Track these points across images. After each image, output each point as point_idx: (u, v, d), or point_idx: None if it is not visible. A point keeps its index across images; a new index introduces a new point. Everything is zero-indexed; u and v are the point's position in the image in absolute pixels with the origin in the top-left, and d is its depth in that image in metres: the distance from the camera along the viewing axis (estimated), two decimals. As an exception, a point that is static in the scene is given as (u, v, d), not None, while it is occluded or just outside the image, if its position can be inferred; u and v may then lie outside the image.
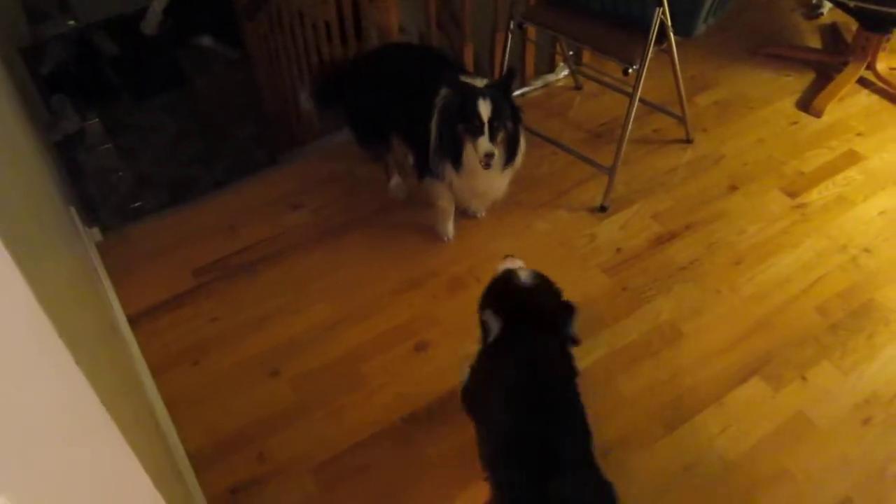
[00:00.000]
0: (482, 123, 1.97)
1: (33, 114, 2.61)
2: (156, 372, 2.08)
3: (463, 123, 2.01)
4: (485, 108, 1.96)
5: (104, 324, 1.79)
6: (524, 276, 1.64)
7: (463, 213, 2.48)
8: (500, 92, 2.02)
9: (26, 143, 1.89)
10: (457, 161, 2.09)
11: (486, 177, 2.14)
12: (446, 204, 2.35)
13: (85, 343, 1.06)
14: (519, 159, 2.16)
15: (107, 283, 2.30)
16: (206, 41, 3.36)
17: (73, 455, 0.83)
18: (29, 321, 0.72)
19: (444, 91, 2.09)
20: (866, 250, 2.39)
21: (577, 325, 1.62)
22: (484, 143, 1.99)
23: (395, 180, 2.60)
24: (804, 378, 2.05)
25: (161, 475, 1.18)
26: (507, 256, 1.77)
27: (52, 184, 2.07)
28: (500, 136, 2.03)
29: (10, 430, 0.73)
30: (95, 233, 2.47)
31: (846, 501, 1.79)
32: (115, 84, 3.59)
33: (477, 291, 2.25)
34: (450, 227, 2.42)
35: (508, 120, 2.04)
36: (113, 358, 1.57)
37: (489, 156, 1.99)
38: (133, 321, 2.21)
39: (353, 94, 2.41)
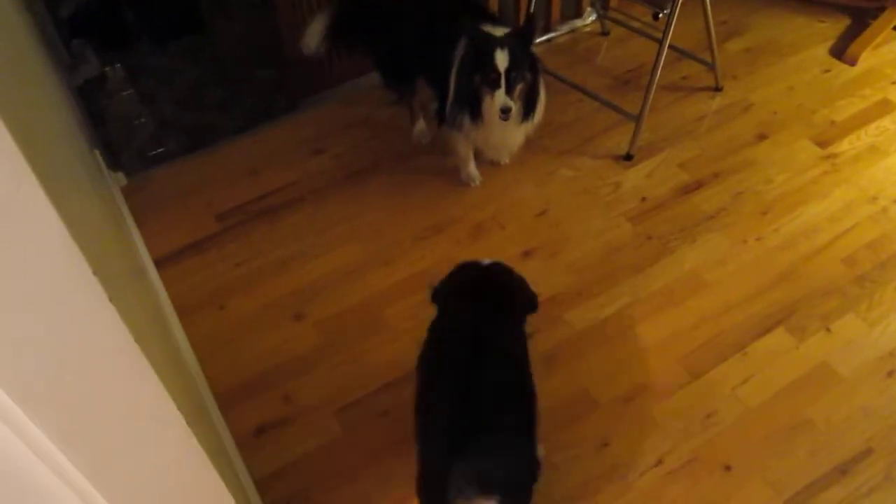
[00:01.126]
0: (499, 75, 1.93)
1: (55, 57, 2.59)
2: (182, 314, 2.10)
3: (480, 74, 1.97)
4: (502, 59, 1.92)
5: (132, 266, 1.81)
6: (485, 261, 1.66)
7: (485, 160, 2.45)
8: (520, 42, 1.97)
9: (52, 85, 1.89)
10: (475, 113, 2.06)
11: (503, 130, 2.11)
12: (464, 151, 2.33)
13: (116, 282, 1.07)
14: (539, 113, 2.13)
15: (132, 227, 2.32)
16: (227, -17, 3.31)
17: (108, 391, 0.84)
18: (64, 257, 0.72)
19: (463, 40, 2.05)
20: (897, 201, 2.35)
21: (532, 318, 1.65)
22: (500, 95, 1.95)
23: (420, 125, 2.58)
24: (829, 329, 2.03)
25: (192, 414, 1.20)
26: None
27: (76, 126, 2.07)
28: (519, 88, 1.99)
29: (47, 367, 0.75)
30: (120, 177, 2.48)
31: (867, 451, 1.79)
32: (135, 28, 3.55)
33: (500, 237, 2.27)
34: (473, 171, 2.40)
35: (527, 71, 1.99)
36: (141, 299, 1.58)
37: (506, 110, 1.96)
38: (158, 264, 2.23)
39: (379, 34, 2.36)
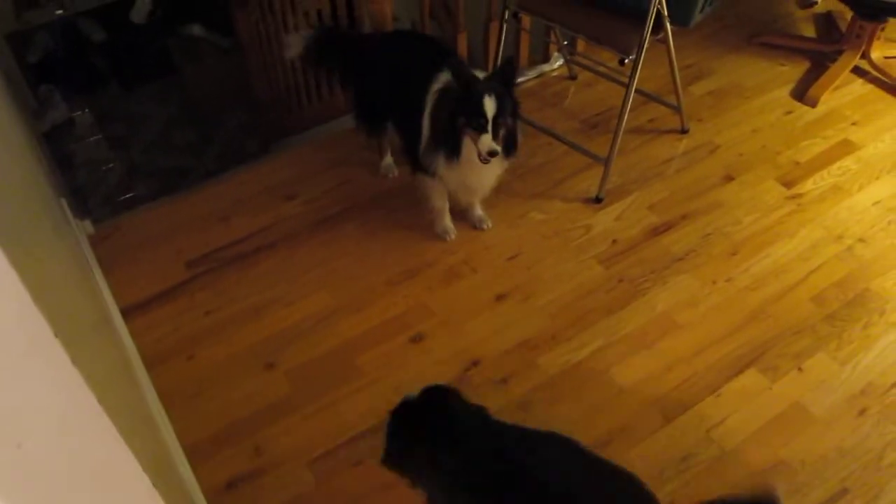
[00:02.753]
0: (487, 121, 1.95)
1: (21, 103, 2.57)
2: (149, 365, 2.06)
3: (465, 118, 1.98)
4: (490, 106, 1.93)
5: (97, 317, 1.77)
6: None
7: (457, 211, 2.45)
8: (504, 87, 1.99)
9: (16, 133, 1.87)
10: (452, 154, 2.06)
11: (478, 169, 2.12)
12: (439, 202, 2.33)
13: (80, 340, 1.04)
14: (517, 152, 2.14)
15: (99, 276, 2.28)
16: (197, 30, 3.32)
17: (70, 456, 0.81)
18: (23, 321, 0.70)
19: (440, 82, 2.06)
20: (861, 240, 2.39)
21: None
22: (487, 140, 1.96)
23: (387, 160, 2.61)
24: (800, 369, 2.05)
25: (158, 472, 1.17)
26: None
27: (42, 175, 2.04)
28: (502, 132, 2.01)
29: (2, 433, 0.72)
30: (87, 225, 2.44)
31: (843, 492, 1.79)
32: (103, 73, 3.54)
33: (472, 281, 2.27)
34: (448, 224, 2.40)
35: (511, 116, 2.01)
36: (107, 352, 1.55)
37: (493, 154, 1.96)
38: (126, 314, 2.19)
39: (352, 71, 2.38)
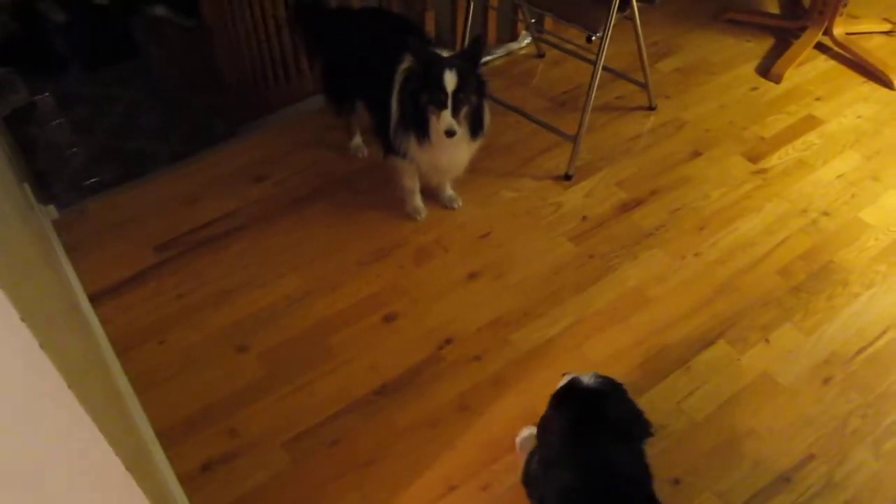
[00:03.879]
0: (447, 96, 1.94)
1: (-20, 87, 2.51)
2: (120, 351, 2.04)
3: (427, 94, 1.98)
4: (450, 80, 1.93)
5: (65, 303, 1.75)
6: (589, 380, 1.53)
7: (428, 192, 2.44)
8: (468, 64, 1.99)
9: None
10: (421, 134, 2.06)
11: (449, 150, 2.12)
12: (410, 182, 2.33)
13: (48, 325, 1.03)
14: (484, 132, 2.14)
15: (65, 262, 2.24)
16: (160, 9, 3.26)
17: (40, 443, 0.81)
18: (-10, 305, 0.69)
19: (406, 62, 2.05)
20: (825, 213, 2.43)
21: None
22: (446, 117, 1.96)
23: (356, 140, 2.60)
24: (767, 340, 2.09)
25: (131, 457, 1.16)
26: (564, 374, 1.66)
27: (3, 159, 2.00)
28: (465, 110, 2.00)
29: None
30: (51, 210, 2.40)
31: (809, 458, 1.84)
32: (64, 55, 3.47)
33: (444, 260, 2.27)
34: (419, 204, 2.40)
35: (473, 94, 2.01)
36: (76, 338, 1.53)
37: (451, 132, 1.96)
38: (95, 300, 2.17)
39: (325, 48, 2.37)
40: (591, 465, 1.42)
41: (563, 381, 1.61)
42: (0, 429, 0.73)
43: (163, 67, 3.19)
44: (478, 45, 2.03)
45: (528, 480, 1.62)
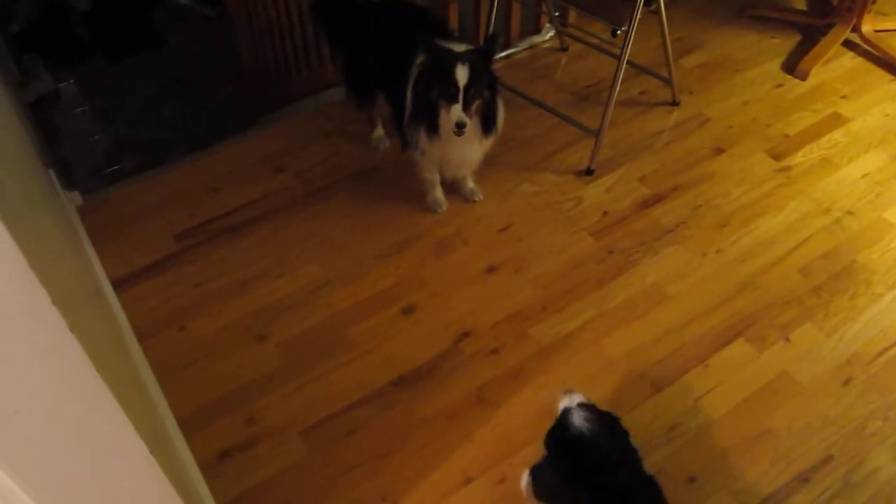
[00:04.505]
0: (458, 90, 1.93)
1: (5, 73, 2.53)
2: (141, 337, 2.06)
3: (438, 88, 1.97)
4: (462, 74, 1.92)
5: (89, 288, 1.77)
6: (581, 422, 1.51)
7: (447, 183, 2.44)
8: (481, 59, 1.97)
9: (3, 102, 1.84)
10: (432, 128, 2.05)
11: (461, 146, 2.11)
12: (429, 175, 2.33)
13: (75, 308, 1.04)
14: (497, 130, 2.13)
15: (89, 248, 2.27)
16: (183, -1, 3.28)
17: (69, 424, 0.82)
18: (22, 288, 0.70)
19: (420, 57, 2.05)
20: (849, 213, 2.40)
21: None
22: (457, 110, 1.95)
23: (378, 131, 2.60)
24: (787, 339, 2.07)
25: (153, 441, 1.17)
26: (566, 391, 1.65)
27: (30, 145, 2.02)
28: (476, 104, 1.99)
29: (3, 401, 0.72)
30: (75, 196, 2.42)
31: (827, 459, 1.83)
32: (88, 43, 3.49)
33: (464, 253, 2.28)
34: (440, 197, 2.40)
35: (486, 89, 1.99)
36: (100, 324, 1.55)
37: (461, 125, 1.96)
38: (116, 286, 2.19)
39: (346, 42, 2.37)
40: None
41: (561, 402, 1.61)
42: (26, 409, 0.74)
43: (184, 57, 3.21)
44: (493, 42, 2.02)
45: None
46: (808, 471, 1.81)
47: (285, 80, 2.77)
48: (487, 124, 2.08)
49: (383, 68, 2.26)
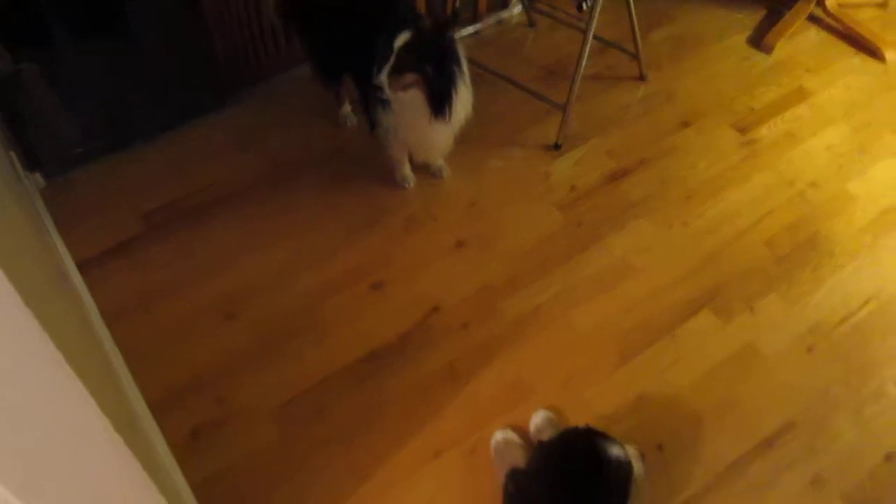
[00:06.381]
0: (391, 52, 1.87)
1: (-36, 54, 2.48)
2: (109, 319, 2.04)
3: (380, 52, 1.90)
4: (400, 40, 1.86)
5: (53, 271, 1.75)
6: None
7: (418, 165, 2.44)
8: (434, 34, 1.92)
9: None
10: (384, 102, 2.02)
11: (420, 127, 2.08)
12: (397, 153, 2.32)
13: (34, 287, 1.03)
14: (460, 112, 2.08)
15: (52, 230, 2.24)
16: (147, -23, 3.22)
17: (28, 400, 0.81)
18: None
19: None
20: (813, 185, 2.44)
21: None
22: (382, 73, 1.88)
23: (345, 109, 2.59)
24: (752, 310, 2.11)
25: (121, 419, 1.17)
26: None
27: (-11, 127, 1.99)
28: (412, 77, 1.92)
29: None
30: (38, 179, 2.39)
31: (790, 425, 1.87)
32: (51, 22, 3.42)
33: (432, 229, 2.28)
34: (408, 173, 2.40)
35: (430, 64, 1.93)
36: (64, 306, 1.53)
37: (377, 86, 1.89)
38: (82, 268, 2.16)
39: (311, 25, 2.34)
40: None
41: (535, 419, 1.64)
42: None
43: (151, 38, 3.16)
44: (451, 19, 1.99)
45: None
46: (772, 436, 1.85)
47: (254, 59, 2.74)
48: (438, 106, 2.00)
49: (348, 50, 2.23)
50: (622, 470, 1.43)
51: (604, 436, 1.46)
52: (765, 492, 1.76)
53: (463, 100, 2.08)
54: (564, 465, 1.45)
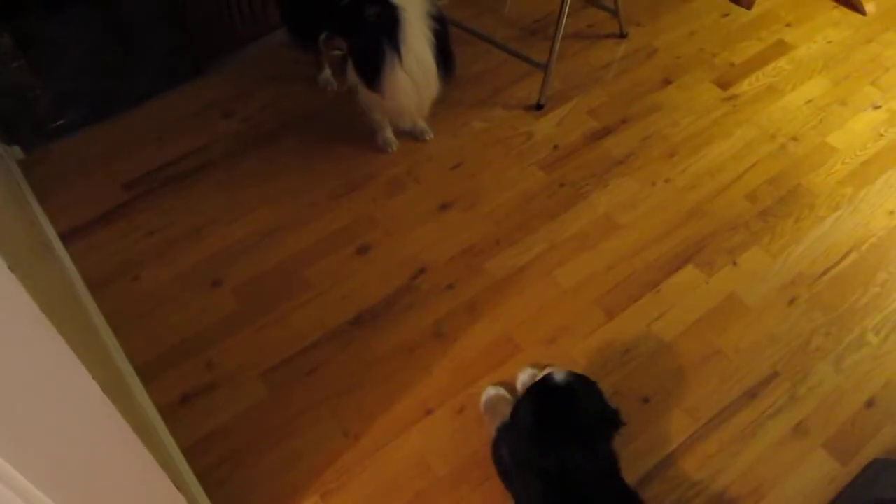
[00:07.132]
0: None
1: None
2: (94, 289, 2.04)
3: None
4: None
5: (35, 241, 1.74)
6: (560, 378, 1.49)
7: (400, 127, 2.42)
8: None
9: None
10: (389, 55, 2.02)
11: (391, 90, 2.08)
12: (379, 115, 2.30)
13: (17, 255, 1.03)
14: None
15: (33, 202, 2.22)
16: (118, -58, 3.15)
17: (15, 364, 0.82)
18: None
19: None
20: (794, 138, 2.45)
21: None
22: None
23: (325, 73, 2.57)
24: (735, 263, 2.13)
25: (109, 384, 1.18)
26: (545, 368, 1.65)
27: (-37, 97, 1.95)
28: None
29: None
30: (16, 150, 2.36)
31: (773, 375, 1.90)
32: (21, -8, 3.35)
33: (416, 191, 2.28)
34: (390, 136, 2.38)
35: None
36: (49, 275, 1.53)
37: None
38: (65, 239, 2.15)
39: None
40: (561, 470, 1.41)
41: (521, 376, 1.66)
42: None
43: (126, 5, 3.10)
44: None
45: (501, 468, 1.62)
46: (756, 387, 1.88)
47: (230, 24, 2.70)
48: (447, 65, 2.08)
49: (323, 8, 2.20)
50: (594, 397, 1.47)
51: (579, 377, 1.49)
52: (749, 441, 1.79)
53: (419, 59, 2.04)
54: (540, 406, 1.47)
